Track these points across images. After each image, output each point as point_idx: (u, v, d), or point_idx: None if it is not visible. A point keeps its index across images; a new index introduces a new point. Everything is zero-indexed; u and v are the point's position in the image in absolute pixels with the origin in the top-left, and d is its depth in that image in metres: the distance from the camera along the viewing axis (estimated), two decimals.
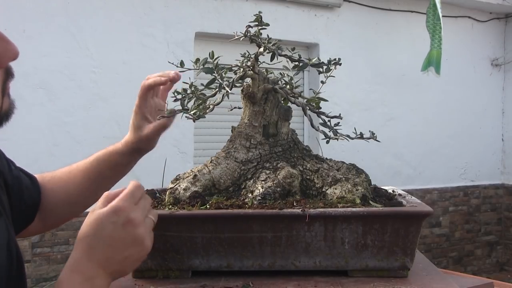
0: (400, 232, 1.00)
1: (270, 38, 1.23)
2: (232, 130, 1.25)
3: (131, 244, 0.80)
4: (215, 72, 1.18)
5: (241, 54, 1.25)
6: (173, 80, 1.15)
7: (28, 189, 1.14)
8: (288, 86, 1.29)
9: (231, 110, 1.39)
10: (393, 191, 1.26)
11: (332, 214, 0.98)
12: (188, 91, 1.23)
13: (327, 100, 1.31)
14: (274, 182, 1.10)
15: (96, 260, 0.78)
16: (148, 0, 4.14)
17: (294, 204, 1.03)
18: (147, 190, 1.30)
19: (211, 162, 1.17)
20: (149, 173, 3.98)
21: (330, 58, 1.27)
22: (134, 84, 4.55)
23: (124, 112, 4.09)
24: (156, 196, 1.22)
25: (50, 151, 3.76)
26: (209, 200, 1.09)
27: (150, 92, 1.15)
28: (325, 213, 0.98)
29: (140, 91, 1.13)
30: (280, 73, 1.30)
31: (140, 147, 1.17)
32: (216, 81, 1.17)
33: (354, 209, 0.99)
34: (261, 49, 1.22)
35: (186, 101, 1.22)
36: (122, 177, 1.23)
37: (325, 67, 1.27)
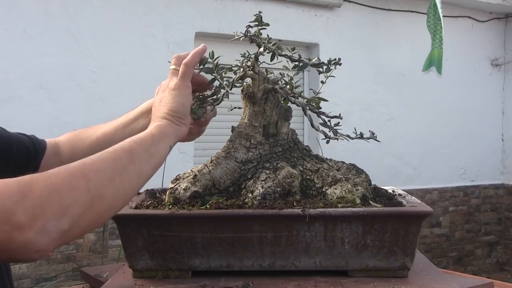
0: (400, 232, 1.00)
1: (270, 38, 1.23)
2: (232, 130, 1.25)
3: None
4: (215, 72, 1.17)
5: (241, 54, 1.25)
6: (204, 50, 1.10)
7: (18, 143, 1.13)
8: (288, 86, 1.29)
9: (231, 110, 1.39)
10: (393, 191, 1.26)
11: (332, 214, 0.98)
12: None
13: (327, 100, 1.30)
14: (274, 182, 1.10)
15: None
16: (148, 0, 4.14)
17: (294, 204, 1.03)
18: (146, 190, 1.30)
19: (211, 162, 1.17)
20: None
21: (330, 58, 1.27)
22: (134, 84, 4.60)
23: (124, 112, 4.10)
24: (156, 196, 1.22)
25: None
26: (209, 200, 1.08)
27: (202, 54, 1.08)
28: (325, 213, 0.98)
29: (196, 52, 1.05)
30: (280, 73, 1.30)
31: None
32: (216, 81, 1.17)
33: (354, 209, 0.99)
34: (261, 49, 1.22)
35: None
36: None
37: (325, 67, 1.27)
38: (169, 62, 1.11)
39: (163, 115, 0.99)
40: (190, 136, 1.14)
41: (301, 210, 0.98)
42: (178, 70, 1.04)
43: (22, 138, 1.19)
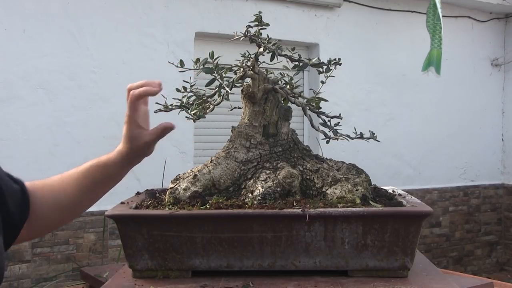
0: (400, 232, 1.00)
1: (270, 38, 1.23)
2: (232, 130, 1.25)
3: None
4: (215, 72, 1.17)
5: (241, 54, 1.25)
6: (158, 90, 1.15)
7: (16, 197, 1.13)
8: (288, 86, 1.29)
9: (231, 110, 1.39)
10: (393, 191, 1.26)
11: (332, 214, 0.98)
12: (188, 90, 1.23)
13: (327, 100, 1.30)
14: (274, 182, 1.10)
15: None
16: (148, 0, 4.14)
17: (294, 204, 1.03)
18: (146, 190, 1.31)
19: (211, 162, 1.17)
20: (149, 173, 3.97)
21: (330, 58, 1.27)
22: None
23: (124, 112, 4.09)
24: (156, 196, 1.22)
25: (50, 151, 3.76)
26: (209, 200, 1.08)
27: (139, 100, 1.13)
28: (325, 213, 0.98)
29: (130, 102, 1.11)
30: (280, 73, 1.30)
31: (135, 157, 1.14)
32: (216, 81, 1.17)
33: (354, 209, 0.99)
34: (261, 49, 1.22)
35: (186, 100, 1.22)
36: (114, 185, 1.23)
37: (325, 67, 1.27)
38: (169, 62, 1.11)
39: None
40: (151, 150, 1.16)
41: (301, 210, 0.98)
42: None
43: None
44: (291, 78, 1.30)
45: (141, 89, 1.09)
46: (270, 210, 1.00)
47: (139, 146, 1.11)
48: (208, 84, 1.21)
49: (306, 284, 0.97)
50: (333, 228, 0.99)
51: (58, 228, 1.26)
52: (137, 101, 1.11)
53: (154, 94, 1.12)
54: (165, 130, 1.11)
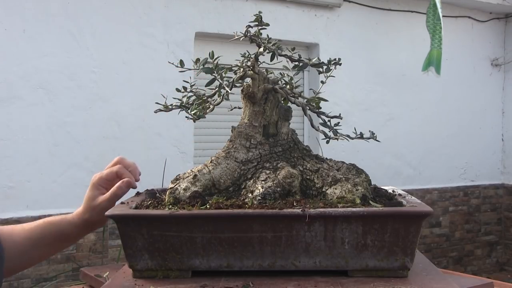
0: (400, 232, 1.00)
1: (270, 38, 1.23)
2: (232, 130, 1.25)
3: None
4: (215, 72, 1.17)
5: (241, 54, 1.25)
6: (135, 187, 1.17)
7: None
8: (288, 86, 1.29)
9: (231, 110, 1.39)
10: (393, 191, 1.26)
11: (332, 214, 0.98)
12: (188, 90, 1.24)
13: (327, 100, 1.30)
14: (274, 182, 1.10)
15: None
16: (148, 0, 4.14)
17: (294, 204, 1.03)
18: (147, 190, 1.30)
19: (211, 162, 1.17)
20: (149, 173, 3.97)
21: (330, 58, 1.27)
22: (134, 84, 4.59)
23: (124, 112, 4.12)
24: (156, 196, 1.22)
25: (50, 151, 3.76)
26: (209, 200, 1.08)
27: (117, 178, 1.14)
28: (325, 213, 0.98)
29: (111, 173, 1.14)
30: (280, 73, 1.30)
31: (91, 219, 1.15)
32: (216, 81, 1.17)
33: (354, 209, 0.99)
34: (261, 49, 1.22)
35: (185, 100, 1.22)
36: (65, 248, 1.24)
37: (325, 67, 1.27)
38: (169, 62, 1.11)
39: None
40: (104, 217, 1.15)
41: (301, 210, 0.98)
42: None
43: None
44: (291, 78, 1.30)
45: (128, 173, 1.14)
46: (270, 210, 0.99)
47: (94, 208, 1.12)
48: (208, 84, 1.21)
49: (306, 284, 0.97)
50: (333, 228, 0.99)
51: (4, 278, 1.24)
52: (117, 178, 1.14)
53: (132, 187, 1.16)
54: (115, 196, 1.11)
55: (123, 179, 1.10)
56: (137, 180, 1.15)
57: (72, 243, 1.24)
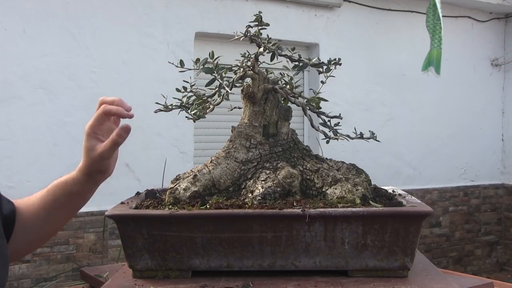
0: (400, 232, 1.00)
1: (270, 38, 1.23)
2: (232, 130, 1.25)
3: None
4: (215, 72, 1.18)
5: (241, 54, 1.25)
6: (130, 116, 1.09)
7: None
8: (288, 86, 1.29)
9: (231, 110, 1.39)
10: (393, 191, 1.26)
11: (332, 214, 0.98)
12: (188, 90, 1.24)
13: (327, 100, 1.30)
14: (274, 182, 1.10)
15: None
16: (148, 0, 4.14)
17: (294, 204, 1.03)
18: (147, 190, 1.31)
19: (211, 162, 1.17)
20: (149, 173, 3.98)
21: (330, 58, 1.27)
22: (134, 84, 4.57)
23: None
24: (156, 196, 1.22)
25: (50, 151, 3.76)
26: (209, 200, 1.08)
27: (107, 116, 1.10)
28: (325, 213, 0.98)
29: (98, 114, 1.08)
30: (280, 73, 1.30)
31: (93, 171, 1.10)
32: (216, 81, 1.17)
33: (354, 209, 0.99)
34: (261, 49, 1.22)
35: (186, 100, 1.22)
36: (81, 206, 1.18)
37: (325, 67, 1.27)
38: (169, 62, 1.11)
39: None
40: (106, 165, 1.12)
41: (301, 210, 0.98)
42: None
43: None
44: (291, 78, 1.30)
45: (114, 107, 1.05)
46: (270, 210, 1.00)
47: (94, 159, 1.06)
48: (208, 84, 1.21)
49: (306, 284, 0.97)
50: (333, 228, 0.99)
51: (26, 253, 1.23)
52: (106, 116, 1.08)
53: (124, 117, 1.07)
54: (115, 144, 1.05)
55: (121, 125, 1.03)
56: (127, 111, 1.06)
57: (84, 201, 1.18)
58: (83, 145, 1.08)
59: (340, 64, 1.26)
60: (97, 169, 1.07)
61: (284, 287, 0.96)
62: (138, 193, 1.28)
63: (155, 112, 1.26)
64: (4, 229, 1.08)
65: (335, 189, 1.09)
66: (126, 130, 1.02)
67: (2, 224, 1.08)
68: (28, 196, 1.18)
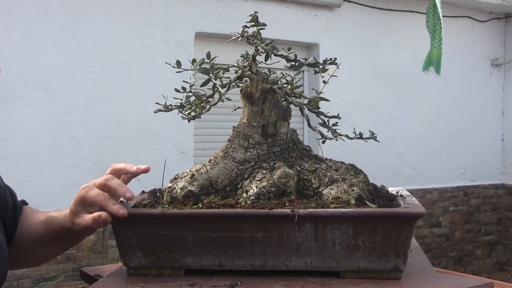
0: (392, 233, 0.99)
1: (264, 38, 1.23)
2: (233, 130, 1.25)
3: None
4: (211, 72, 1.18)
5: (241, 54, 1.26)
6: (145, 171, 1.10)
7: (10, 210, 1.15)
8: (289, 86, 1.29)
9: (235, 110, 1.39)
10: (397, 192, 1.25)
11: (321, 215, 0.98)
12: (188, 90, 1.24)
13: (328, 100, 1.30)
14: (269, 182, 1.10)
15: None
16: (148, 0, 4.15)
17: (286, 204, 1.03)
18: (154, 189, 1.31)
19: (209, 161, 1.18)
20: (149, 173, 3.97)
21: (326, 58, 1.27)
22: (134, 84, 4.59)
23: (124, 112, 4.12)
24: (156, 195, 1.22)
25: (50, 151, 3.77)
26: (204, 199, 1.09)
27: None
28: (314, 214, 0.98)
29: (109, 185, 1.05)
30: (282, 73, 1.30)
31: (74, 230, 1.10)
32: (211, 81, 1.18)
33: (344, 210, 0.99)
34: (257, 49, 1.23)
35: (184, 100, 1.23)
36: (66, 247, 1.26)
37: (321, 66, 1.27)
38: (166, 63, 1.11)
39: None
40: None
41: (291, 210, 0.98)
42: None
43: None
44: (292, 78, 1.30)
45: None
46: (260, 210, 1.00)
47: (74, 224, 1.07)
48: (203, 85, 1.22)
49: (295, 285, 0.97)
50: (324, 228, 0.99)
51: (23, 267, 1.25)
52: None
53: (134, 175, 1.12)
54: (89, 229, 1.05)
55: (101, 215, 0.99)
56: (145, 169, 1.08)
57: (68, 245, 1.24)
58: (71, 205, 1.09)
59: (336, 64, 1.26)
60: (77, 230, 1.09)
61: (272, 287, 0.96)
62: (143, 192, 1.29)
63: (155, 112, 1.26)
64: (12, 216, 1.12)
65: (331, 189, 1.09)
66: (104, 221, 1.00)
67: (12, 209, 1.13)
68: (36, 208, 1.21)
